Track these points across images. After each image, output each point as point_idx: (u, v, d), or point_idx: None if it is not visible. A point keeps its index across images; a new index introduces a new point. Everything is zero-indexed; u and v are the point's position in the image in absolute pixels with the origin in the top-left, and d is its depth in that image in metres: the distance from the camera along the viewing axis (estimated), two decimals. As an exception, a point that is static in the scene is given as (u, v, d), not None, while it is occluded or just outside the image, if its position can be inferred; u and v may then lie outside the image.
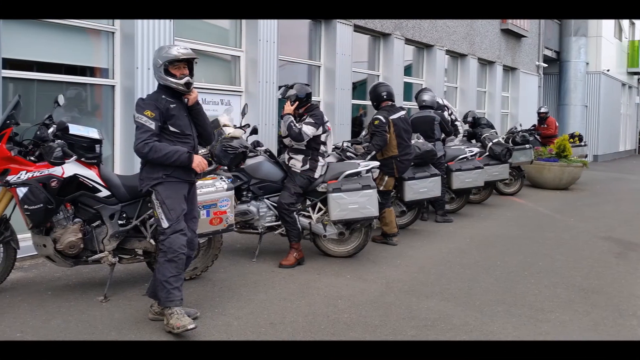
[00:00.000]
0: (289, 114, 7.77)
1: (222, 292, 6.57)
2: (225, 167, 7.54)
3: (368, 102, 10.96)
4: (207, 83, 10.49)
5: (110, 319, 5.67)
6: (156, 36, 8.93)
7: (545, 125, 19.10)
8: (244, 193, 7.85)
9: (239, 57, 11.21)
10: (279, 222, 7.90)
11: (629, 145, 38.67)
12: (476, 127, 14.35)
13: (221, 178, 6.68)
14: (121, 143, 8.88)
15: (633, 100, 39.66)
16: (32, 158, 5.97)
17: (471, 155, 11.66)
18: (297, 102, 7.83)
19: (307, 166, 7.79)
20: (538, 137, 18.12)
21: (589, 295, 6.96)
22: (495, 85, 22.09)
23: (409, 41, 16.41)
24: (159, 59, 5.48)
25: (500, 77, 22.42)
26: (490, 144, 12.98)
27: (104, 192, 6.14)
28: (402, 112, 9.19)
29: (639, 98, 40.77)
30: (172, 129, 5.47)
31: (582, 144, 19.65)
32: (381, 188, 8.79)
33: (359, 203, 7.71)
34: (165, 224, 5.41)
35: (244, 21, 11.11)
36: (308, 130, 7.66)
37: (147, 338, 5.27)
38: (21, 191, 5.81)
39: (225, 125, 7.75)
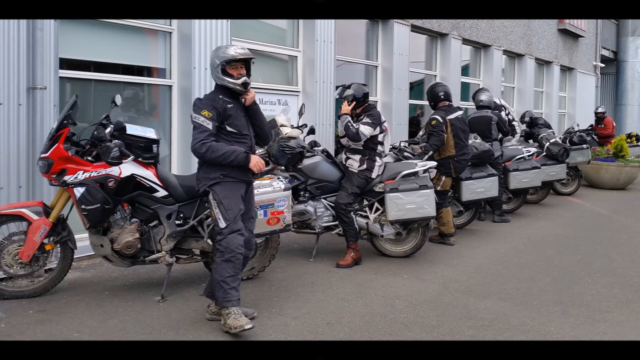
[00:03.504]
0: (346, 114, 7.73)
1: (279, 292, 6.55)
2: (283, 167, 7.55)
3: (425, 102, 10.93)
4: (264, 83, 10.49)
5: (168, 319, 5.69)
6: (213, 36, 8.96)
7: (603, 125, 18.89)
8: (301, 193, 7.83)
9: (296, 57, 11.21)
10: (336, 222, 7.86)
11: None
12: (533, 127, 14.20)
13: (278, 178, 6.67)
14: (178, 143, 8.93)
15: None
16: (89, 158, 6.01)
17: (528, 155, 11.54)
18: (354, 102, 7.79)
19: (365, 166, 7.73)
20: (595, 137, 17.90)
21: (646, 295, 6.84)
22: (552, 85, 21.87)
23: (466, 41, 16.32)
24: (216, 59, 5.47)
25: (558, 77, 22.19)
26: (548, 144, 12.82)
27: (161, 192, 6.15)
28: (460, 112, 9.10)
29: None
30: (229, 129, 5.46)
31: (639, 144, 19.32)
32: (438, 188, 8.70)
33: (416, 203, 7.64)
34: (222, 224, 5.40)
35: (301, 21, 11.12)
36: (365, 130, 7.60)
37: (204, 338, 5.27)
38: (78, 191, 5.85)
39: (282, 125, 7.73)
